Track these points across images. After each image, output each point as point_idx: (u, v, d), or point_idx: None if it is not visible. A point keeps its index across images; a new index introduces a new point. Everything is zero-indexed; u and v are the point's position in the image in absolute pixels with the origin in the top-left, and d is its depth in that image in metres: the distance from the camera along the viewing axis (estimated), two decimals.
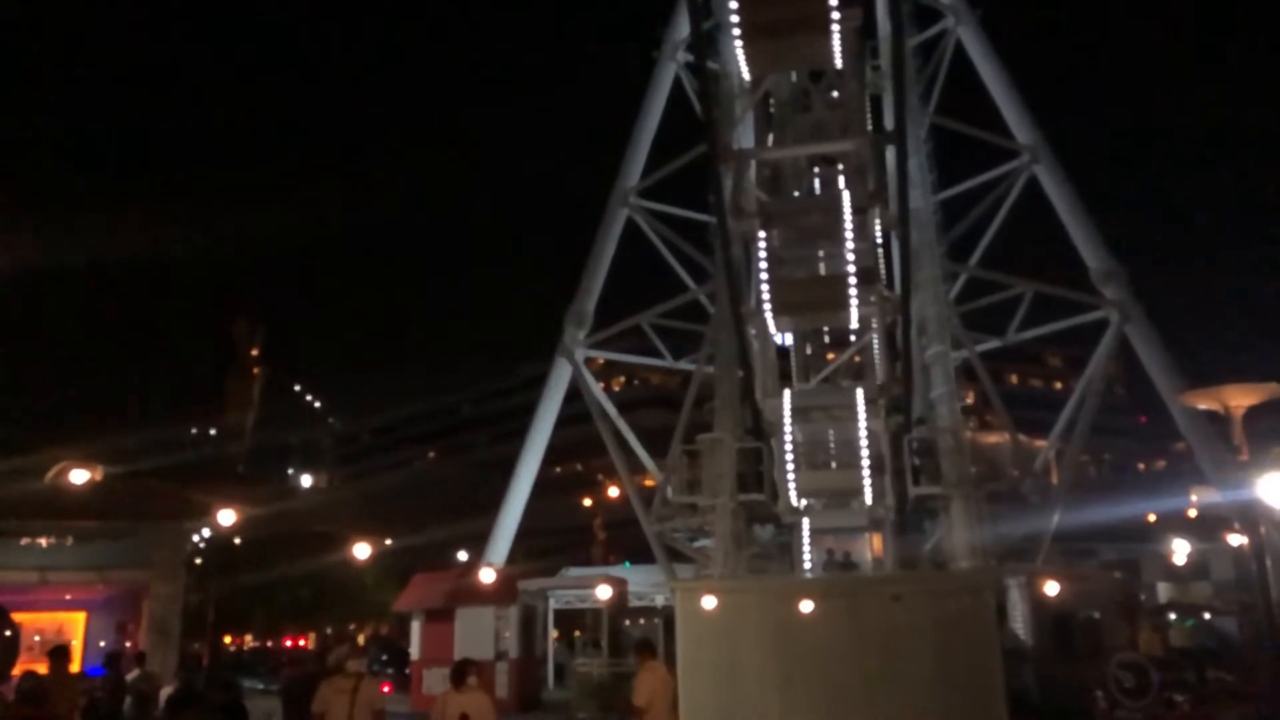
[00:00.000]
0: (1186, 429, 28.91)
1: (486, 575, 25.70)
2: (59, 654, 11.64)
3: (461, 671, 9.66)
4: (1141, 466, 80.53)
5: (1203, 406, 12.70)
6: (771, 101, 30.84)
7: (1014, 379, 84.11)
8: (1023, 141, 31.39)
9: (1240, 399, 12.20)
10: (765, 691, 19.36)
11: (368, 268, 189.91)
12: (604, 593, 26.38)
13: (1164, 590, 34.24)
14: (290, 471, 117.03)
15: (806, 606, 19.14)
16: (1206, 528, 36.14)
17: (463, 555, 46.49)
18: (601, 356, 36.95)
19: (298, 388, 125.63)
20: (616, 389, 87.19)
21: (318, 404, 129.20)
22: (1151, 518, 47.78)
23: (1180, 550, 36.47)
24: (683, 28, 32.49)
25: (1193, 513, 42.93)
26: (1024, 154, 31.05)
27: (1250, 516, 12.47)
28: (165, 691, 16.45)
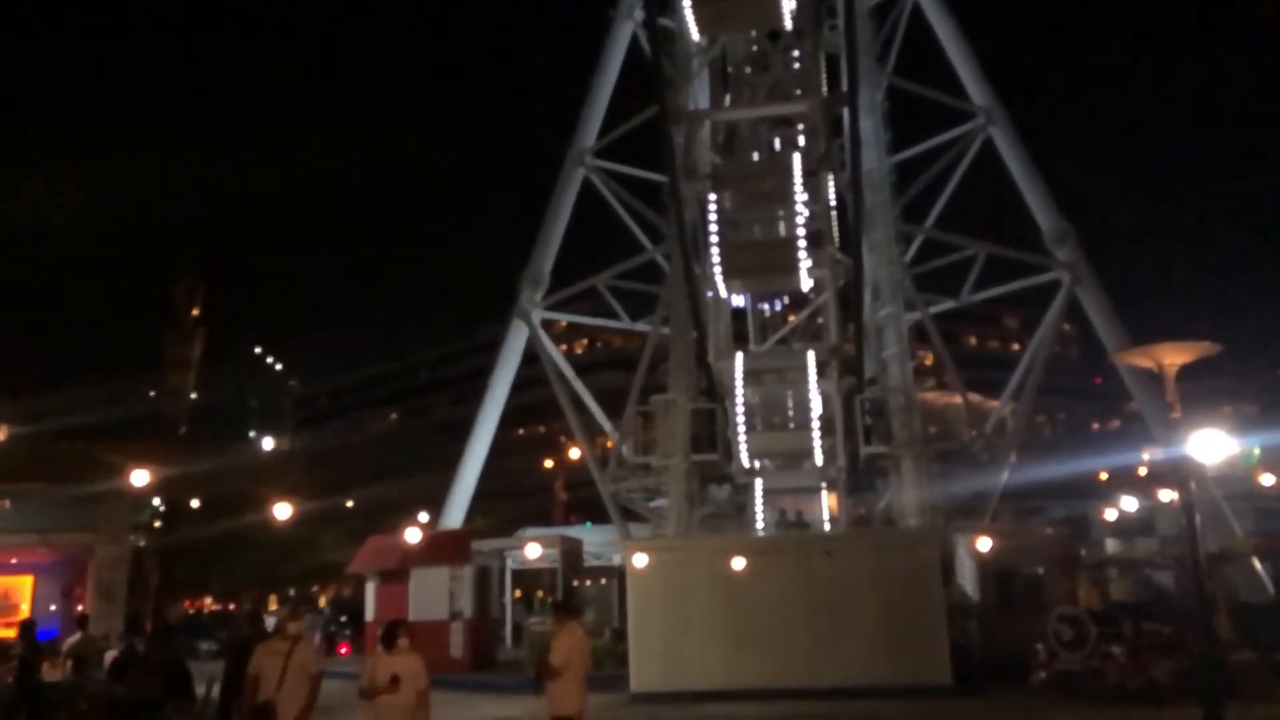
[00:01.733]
0: (1135, 388, 29.42)
1: (412, 535, 25.98)
2: None
3: (392, 633, 9.54)
4: (1096, 426, 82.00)
5: (1137, 364, 12.89)
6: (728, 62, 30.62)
7: (972, 340, 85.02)
8: (978, 103, 31.50)
9: (1173, 357, 12.38)
10: (713, 648, 19.66)
11: (327, 229, 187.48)
12: (532, 552, 26.68)
13: (1111, 546, 34.94)
14: (252, 434, 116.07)
15: (739, 564, 19.39)
16: (1154, 485, 36.99)
17: (423, 516, 46.50)
18: (558, 318, 36.81)
19: (258, 350, 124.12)
20: (580, 351, 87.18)
21: (279, 366, 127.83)
22: (1104, 476, 48.86)
23: (1126, 506, 37.28)
24: None
25: (1143, 471, 44.02)
26: (979, 115, 31.17)
27: (1181, 473, 12.76)
28: (110, 655, 16.37)
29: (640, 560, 19.24)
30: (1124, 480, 42.90)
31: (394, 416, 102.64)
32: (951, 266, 31.58)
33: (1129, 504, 37.51)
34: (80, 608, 21.41)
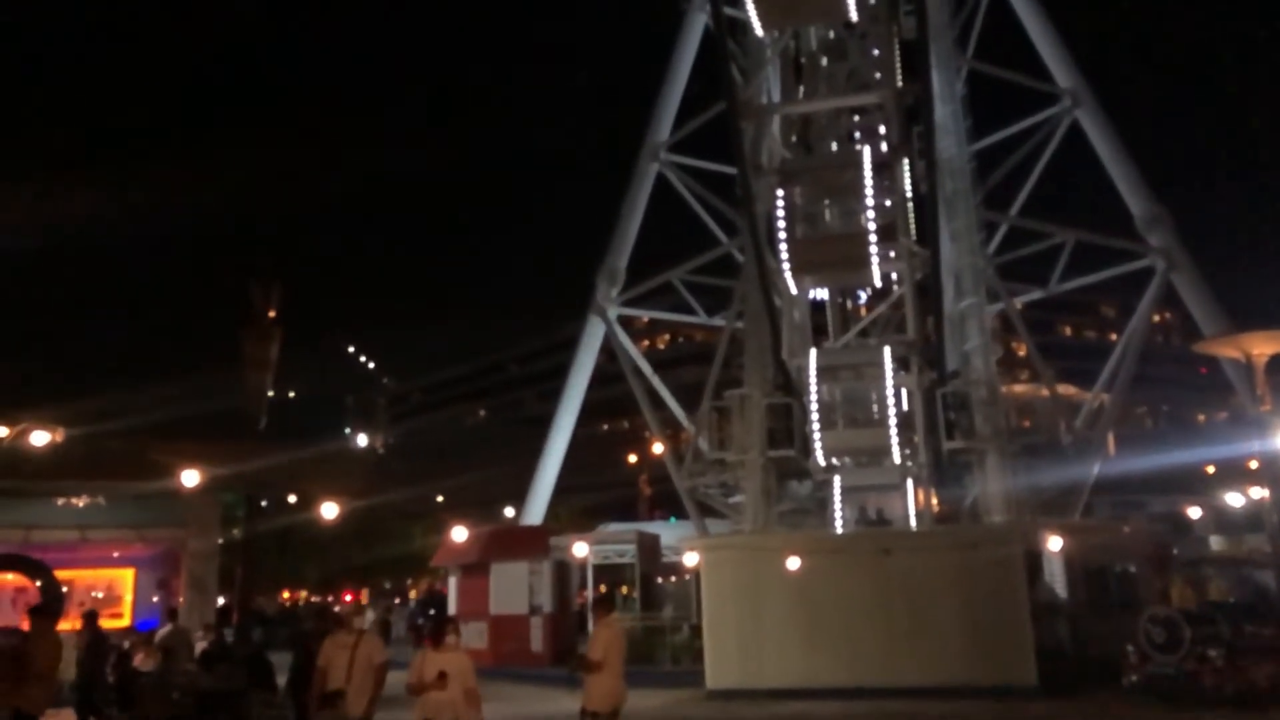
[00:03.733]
0: (1235, 378, 28.07)
1: (459, 534, 26.27)
2: (38, 612, 11.98)
3: (441, 629, 9.80)
4: (1201, 418, 78.59)
5: (1223, 354, 12.31)
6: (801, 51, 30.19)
7: (1068, 330, 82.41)
8: (1064, 86, 30.43)
9: (1262, 346, 11.85)
10: (789, 645, 19.46)
11: (413, 229, 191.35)
12: (580, 550, 26.57)
13: (1216, 542, 33.46)
14: (347, 430, 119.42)
15: (794, 564, 19.11)
16: (1266, 478, 35.20)
17: (509, 511, 47.16)
18: (634, 314, 36.84)
19: (351, 349, 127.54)
20: (663, 347, 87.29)
21: (371, 364, 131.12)
22: (1210, 469, 46.72)
23: (1232, 501, 35.64)
24: None
25: (1254, 464, 41.90)
26: (1065, 98, 30.11)
27: (1273, 468, 12.16)
28: (200, 646, 17.04)
29: (691, 560, 19.12)
30: (1232, 473, 40.96)
31: (482, 413, 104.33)
32: (1040, 255, 30.57)
33: (1235, 498, 35.84)
34: (175, 600, 22.41)
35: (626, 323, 33.71)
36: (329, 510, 18.76)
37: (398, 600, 51.47)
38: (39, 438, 14.10)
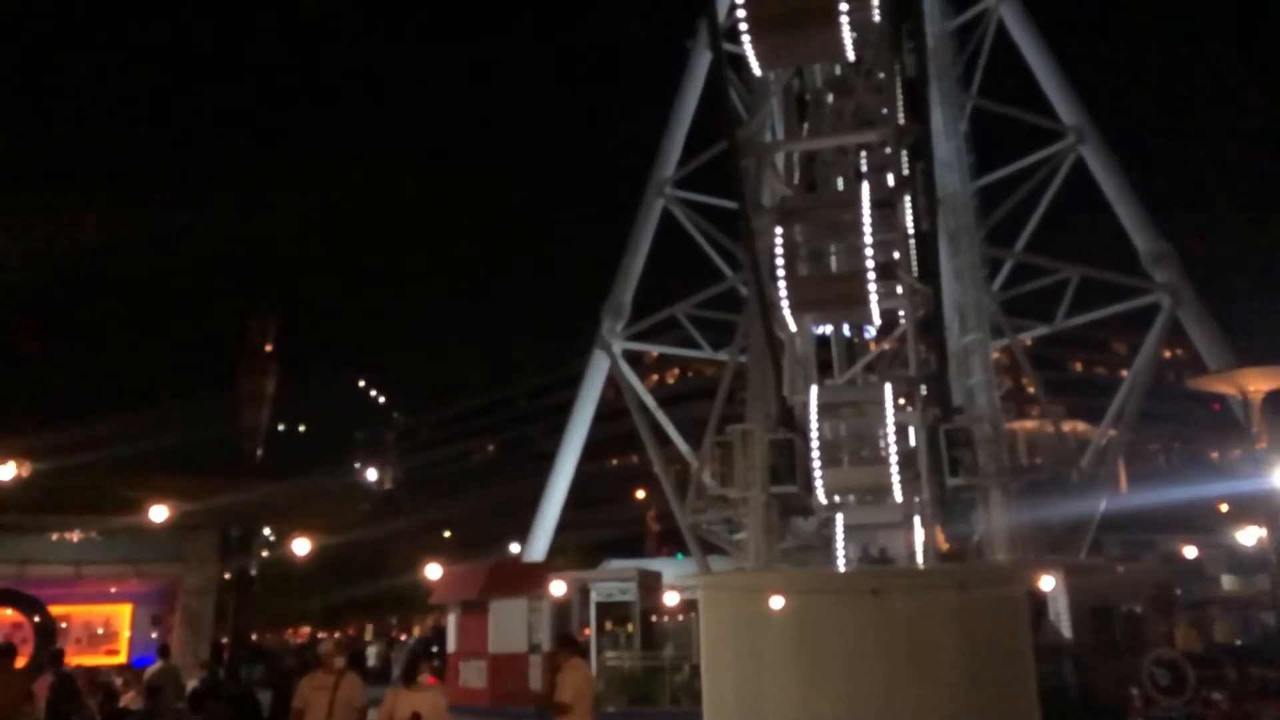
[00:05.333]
0: (1241, 415, 27.77)
1: (432, 571, 25.91)
2: (3, 652, 11.80)
3: (414, 667, 9.39)
4: (1215, 455, 77.84)
5: (1220, 391, 12.17)
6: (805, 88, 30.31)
7: (1079, 366, 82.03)
8: (1068, 122, 30.47)
9: (1258, 383, 11.73)
10: (788, 685, 19.16)
11: (427, 263, 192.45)
12: (558, 589, 26.19)
13: (1228, 582, 32.97)
14: (356, 466, 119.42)
15: (777, 603, 18.88)
16: (1265, 517, 34.73)
17: (514, 547, 46.95)
18: (639, 348, 36.87)
19: (361, 383, 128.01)
20: (672, 381, 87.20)
21: (381, 399, 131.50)
22: (1224, 508, 46.11)
23: (1243, 540, 35.15)
24: (722, 15, 32.15)
25: (1226, 506, 41.22)
26: (1069, 135, 30.14)
27: (1271, 506, 11.98)
28: (192, 684, 16.88)
29: (672, 599, 18.85)
30: (1245, 512, 40.42)
31: (491, 448, 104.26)
32: (1046, 291, 30.48)
33: (1246, 537, 35.34)
34: (168, 637, 22.21)
35: (637, 358, 33.70)
36: (300, 546, 18.65)
37: (403, 637, 51.14)
38: (4, 471, 14.03)
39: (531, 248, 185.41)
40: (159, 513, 14.94)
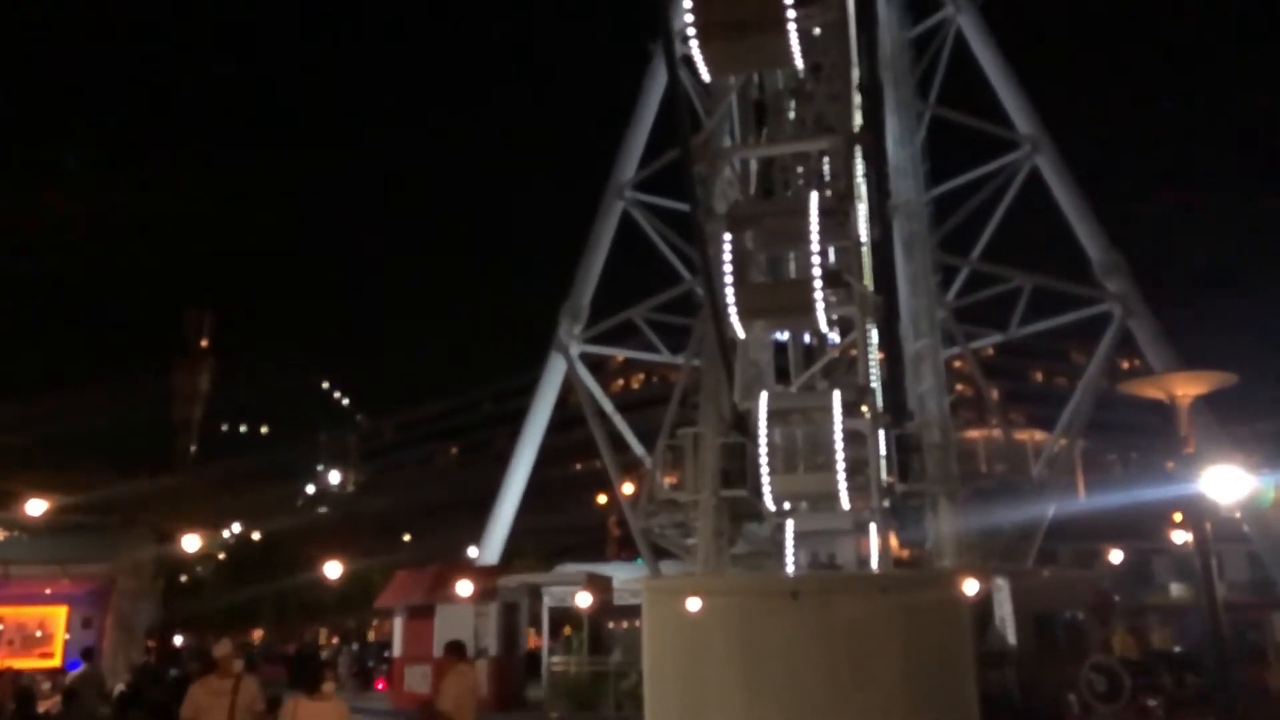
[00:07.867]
0: (1186, 424, 28.05)
1: (464, 588, 25.18)
2: None
3: (316, 675, 8.80)
4: (1170, 465, 78.77)
5: (1148, 395, 12.23)
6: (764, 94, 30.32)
7: (1039, 376, 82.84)
8: (1024, 132, 30.72)
9: (1186, 388, 11.81)
10: (730, 692, 19.06)
11: (394, 265, 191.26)
12: (464, 589, 25.61)
13: (1176, 589, 33.25)
14: (319, 468, 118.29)
15: (693, 604, 18.81)
16: (1190, 523, 35.13)
17: (473, 551, 46.55)
18: (596, 351, 36.72)
19: (325, 385, 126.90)
20: (636, 386, 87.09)
21: (345, 400, 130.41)
22: (1177, 516, 46.63)
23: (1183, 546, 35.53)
24: (678, 20, 32.11)
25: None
26: (1025, 145, 30.38)
27: (1195, 512, 12.03)
28: (119, 689, 16.49)
29: (585, 600, 18.65)
30: (1186, 518, 40.80)
31: (454, 451, 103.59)
32: (1001, 299, 30.69)
33: (1186, 543, 35.73)
34: (95, 640, 21.67)
35: (601, 362, 33.53)
36: (190, 543, 18.25)
37: (354, 645, 50.41)
38: None
39: (501, 251, 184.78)
40: (36, 506, 14.51)
